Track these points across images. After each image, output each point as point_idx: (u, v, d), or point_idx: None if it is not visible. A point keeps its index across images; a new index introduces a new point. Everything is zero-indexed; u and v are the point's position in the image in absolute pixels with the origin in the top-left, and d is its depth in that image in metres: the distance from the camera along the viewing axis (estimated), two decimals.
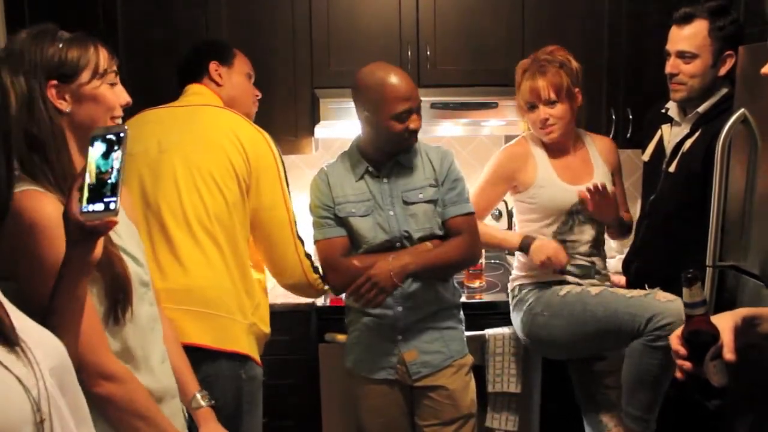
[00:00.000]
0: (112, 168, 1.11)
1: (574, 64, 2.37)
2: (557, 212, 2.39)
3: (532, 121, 2.39)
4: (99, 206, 1.10)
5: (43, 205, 1.25)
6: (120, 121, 1.43)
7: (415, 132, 2.09)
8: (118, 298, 1.35)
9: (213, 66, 2.15)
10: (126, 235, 1.44)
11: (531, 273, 2.45)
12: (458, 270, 2.46)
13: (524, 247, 2.39)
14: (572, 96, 2.35)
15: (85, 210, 1.10)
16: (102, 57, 1.38)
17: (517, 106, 2.47)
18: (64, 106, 1.34)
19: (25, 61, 1.30)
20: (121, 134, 1.13)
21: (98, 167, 1.12)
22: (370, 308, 2.11)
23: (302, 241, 2.09)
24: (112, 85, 1.41)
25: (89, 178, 1.12)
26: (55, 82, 1.33)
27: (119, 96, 1.42)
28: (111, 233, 1.23)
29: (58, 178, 1.29)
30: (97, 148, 1.13)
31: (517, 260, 2.54)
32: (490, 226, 2.68)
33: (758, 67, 1.47)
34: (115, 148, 1.12)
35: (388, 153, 2.14)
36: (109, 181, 1.11)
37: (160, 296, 1.66)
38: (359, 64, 2.16)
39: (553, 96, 2.32)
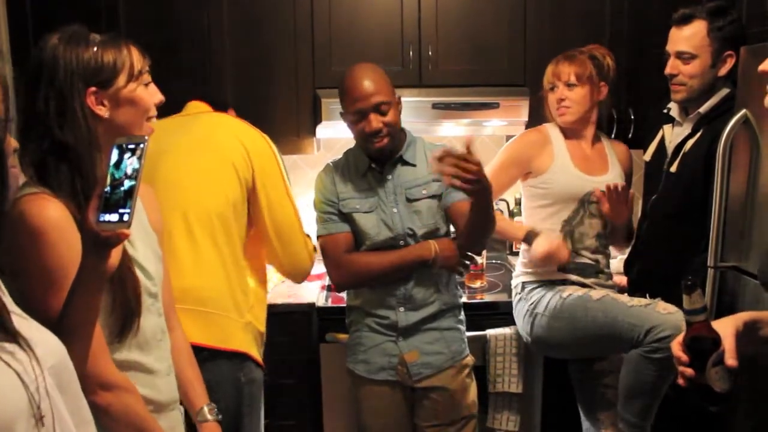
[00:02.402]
0: (125, 177, 1.10)
1: (609, 62, 2.41)
2: (569, 200, 2.41)
3: (550, 102, 2.43)
4: (114, 216, 1.09)
5: (46, 209, 1.24)
6: (155, 120, 1.41)
7: (374, 133, 2.03)
8: (127, 312, 1.34)
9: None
10: (141, 243, 1.42)
11: (535, 271, 2.45)
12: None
13: (529, 238, 2.40)
14: (594, 84, 2.38)
15: (101, 219, 1.10)
16: (135, 58, 1.36)
17: (542, 93, 2.48)
18: (103, 111, 1.32)
19: (61, 69, 1.27)
20: (141, 144, 1.12)
21: (112, 176, 1.11)
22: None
23: (309, 236, 2.14)
24: (146, 84, 1.39)
25: (107, 187, 1.11)
26: (94, 88, 1.30)
27: (153, 95, 1.40)
28: (126, 242, 1.20)
29: (89, 187, 1.25)
30: (116, 157, 1.12)
31: (521, 257, 2.54)
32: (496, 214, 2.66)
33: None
34: (128, 156, 1.11)
35: (371, 152, 2.11)
36: (122, 189, 1.10)
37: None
38: None
39: (573, 80, 2.36)
